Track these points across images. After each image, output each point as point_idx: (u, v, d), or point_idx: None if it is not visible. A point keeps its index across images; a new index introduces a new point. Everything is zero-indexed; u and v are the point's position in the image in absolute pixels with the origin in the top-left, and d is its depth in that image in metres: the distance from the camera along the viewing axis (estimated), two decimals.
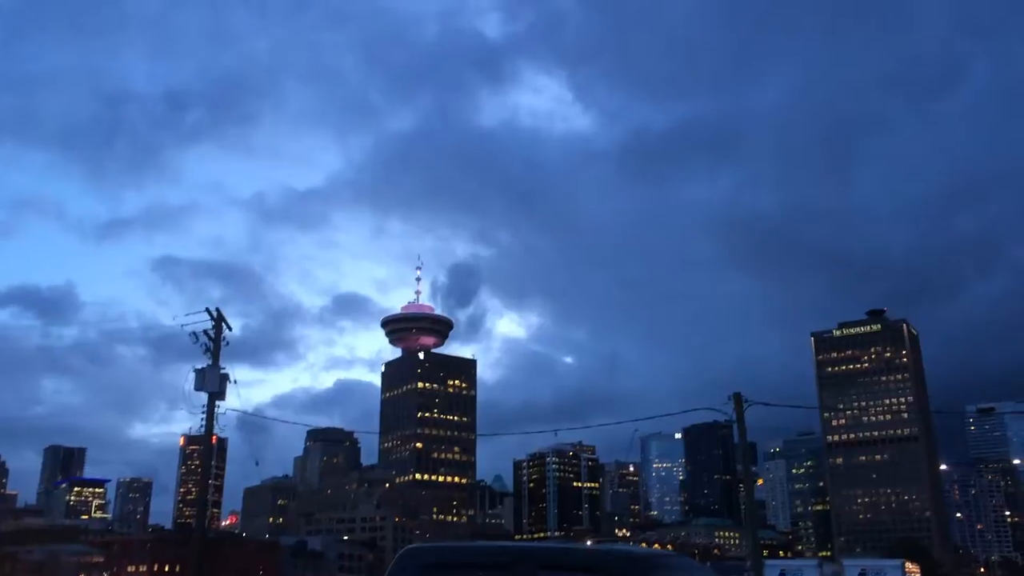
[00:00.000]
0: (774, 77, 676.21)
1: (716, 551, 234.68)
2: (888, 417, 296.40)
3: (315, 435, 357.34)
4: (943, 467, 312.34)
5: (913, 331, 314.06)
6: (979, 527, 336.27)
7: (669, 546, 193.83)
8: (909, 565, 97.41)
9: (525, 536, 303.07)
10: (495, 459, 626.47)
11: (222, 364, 35.76)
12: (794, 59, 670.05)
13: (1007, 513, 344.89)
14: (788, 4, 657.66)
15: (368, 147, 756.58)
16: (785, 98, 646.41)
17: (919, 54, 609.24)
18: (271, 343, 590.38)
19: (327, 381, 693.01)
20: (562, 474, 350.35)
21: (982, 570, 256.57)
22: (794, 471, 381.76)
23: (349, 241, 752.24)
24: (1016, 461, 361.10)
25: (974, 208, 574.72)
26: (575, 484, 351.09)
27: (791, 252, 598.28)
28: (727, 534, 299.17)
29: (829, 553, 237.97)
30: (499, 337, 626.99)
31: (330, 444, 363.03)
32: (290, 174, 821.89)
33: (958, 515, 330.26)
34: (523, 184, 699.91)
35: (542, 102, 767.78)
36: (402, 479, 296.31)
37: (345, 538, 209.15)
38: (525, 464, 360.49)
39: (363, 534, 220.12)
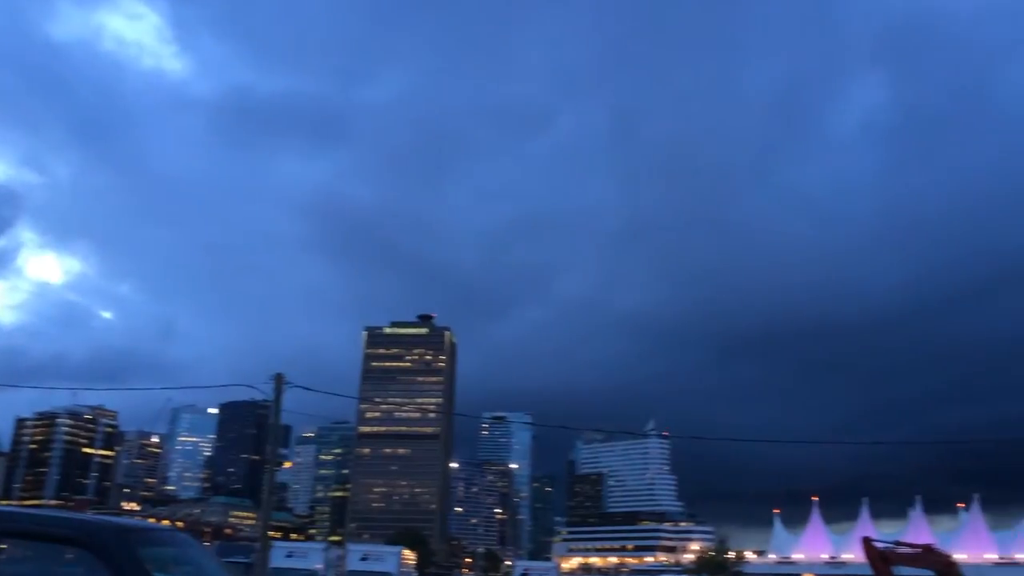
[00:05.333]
0: (387, 77, 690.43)
1: (229, 531, 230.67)
2: (417, 415, 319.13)
3: None
4: (454, 465, 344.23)
5: (454, 340, 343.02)
6: (473, 521, 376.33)
7: (179, 523, 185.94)
8: (407, 553, 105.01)
9: (14, 502, 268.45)
10: None
11: None
12: (409, 66, 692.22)
13: (498, 510, 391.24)
14: (413, 13, 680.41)
15: None
16: (394, 100, 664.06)
17: (518, 95, 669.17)
18: None
19: None
20: (73, 438, 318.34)
21: (468, 560, 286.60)
22: (322, 457, 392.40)
23: None
24: (513, 465, 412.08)
25: (534, 242, 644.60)
26: (86, 450, 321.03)
27: (373, 247, 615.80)
28: (244, 514, 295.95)
29: (341, 538, 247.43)
30: (30, 278, 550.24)
31: None
32: None
33: (458, 509, 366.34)
34: (94, 115, 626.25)
35: (133, 30, 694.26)
36: None
37: None
38: (30, 423, 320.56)
39: None
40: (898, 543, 40.61)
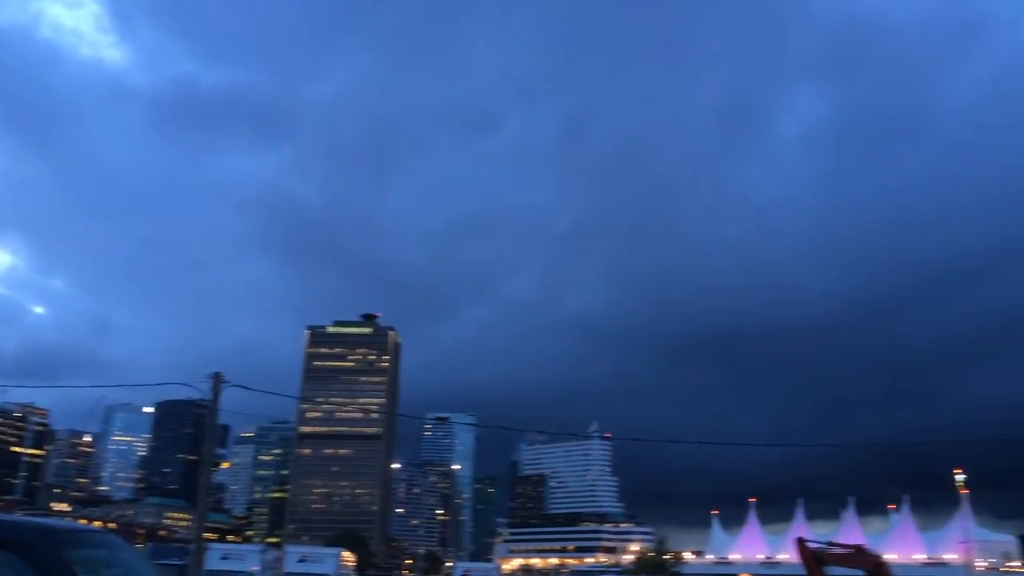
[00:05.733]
0: (333, 73, 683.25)
1: (163, 532, 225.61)
2: (359, 415, 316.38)
3: None
4: (396, 466, 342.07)
5: (398, 340, 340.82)
6: (415, 523, 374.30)
7: (111, 524, 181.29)
8: (346, 554, 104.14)
9: None
10: None
11: None
12: (356, 62, 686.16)
13: (439, 512, 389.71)
14: (360, 9, 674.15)
15: None
16: (340, 97, 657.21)
17: (467, 95, 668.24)
18: None
19: None
20: (1, 436, 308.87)
21: (408, 561, 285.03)
22: (261, 457, 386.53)
23: None
24: (456, 466, 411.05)
25: (480, 242, 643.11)
26: (15, 449, 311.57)
27: (317, 245, 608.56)
28: (179, 516, 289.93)
29: (279, 540, 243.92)
30: None
31: None
32: None
33: (399, 510, 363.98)
34: (28, 103, 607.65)
35: (71, 18, 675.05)
36: None
37: None
38: None
39: None
40: (830, 544, 41.62)
